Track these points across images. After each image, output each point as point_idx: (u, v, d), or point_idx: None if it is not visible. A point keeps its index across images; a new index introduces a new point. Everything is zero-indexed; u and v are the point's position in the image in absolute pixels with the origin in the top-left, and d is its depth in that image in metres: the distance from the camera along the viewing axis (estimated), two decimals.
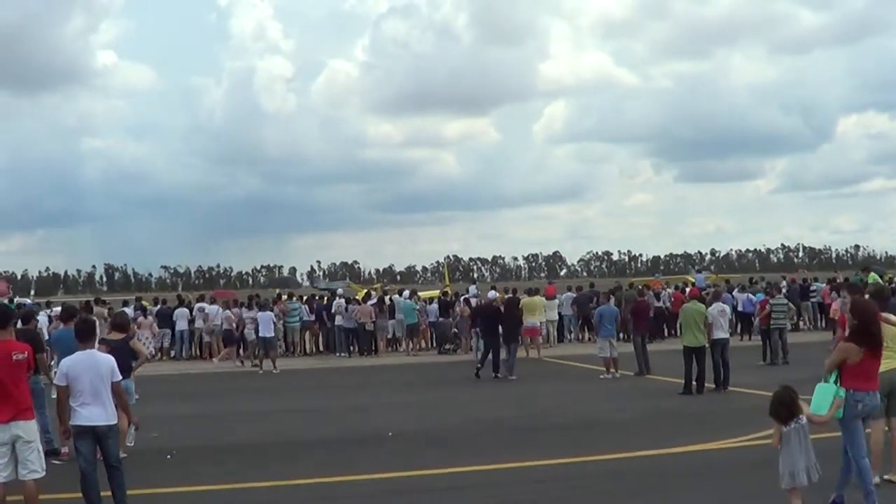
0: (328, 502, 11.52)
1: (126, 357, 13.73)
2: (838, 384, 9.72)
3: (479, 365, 25.65)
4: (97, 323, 13.23)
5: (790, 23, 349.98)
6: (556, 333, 35.26)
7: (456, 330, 34.35)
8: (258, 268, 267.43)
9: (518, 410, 19.20)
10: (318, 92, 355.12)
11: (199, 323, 33.88)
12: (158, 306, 35.57)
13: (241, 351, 31.85)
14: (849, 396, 9.75)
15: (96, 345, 11.49)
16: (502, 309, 26.83)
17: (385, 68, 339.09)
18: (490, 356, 25.56)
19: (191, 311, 34.64)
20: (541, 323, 32.16)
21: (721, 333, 21.50)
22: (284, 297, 35.78)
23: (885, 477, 11.03)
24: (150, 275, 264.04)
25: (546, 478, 12.34)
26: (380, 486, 12.13)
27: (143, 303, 37.90)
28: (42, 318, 29.90)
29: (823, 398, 9.63)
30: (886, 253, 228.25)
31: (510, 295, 30.76)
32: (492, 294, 29.69)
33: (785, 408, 9.18)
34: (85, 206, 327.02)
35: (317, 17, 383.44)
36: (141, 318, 30.54)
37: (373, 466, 13.27)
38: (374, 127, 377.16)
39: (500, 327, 26.11)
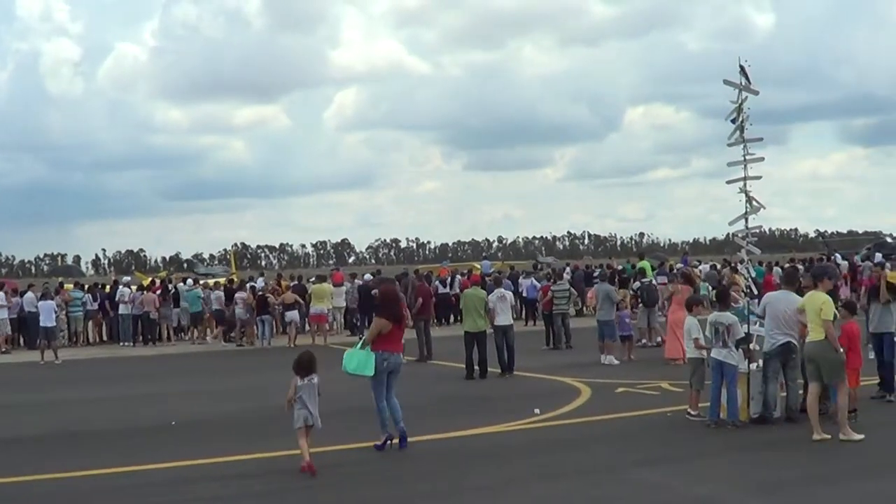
0: (106, 493, 11.41)
1: None
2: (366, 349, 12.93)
3: None
4: None
5: (581, 15, 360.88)
6: (342, 320, 35.57)
7: (241, 318, 34.15)
8: (41, 256, 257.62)
9: None
10: (106, 76, 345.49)
11: None
12: None
13: None
14: (379, 356, 12.88)
15: None
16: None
17: (174, 53, 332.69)
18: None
19: None
20: (328, 310, 32.51)
21: (503, 319, 22.00)
22: (68, 285, 34.90)
23: (814, 438, 12.52)
24: None
25: (338, 462, 12.37)
26: (158, 476, 12.09)
27: None
28: None
29: (361, 360, 12.89)
30: (670, 240, 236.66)
31: (295, 282, 30.93)
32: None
33: (304, 367, 11.87)
34: None
35: None
36: None
37: (154, 456, 13.19)
38: (163, 112, 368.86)
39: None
